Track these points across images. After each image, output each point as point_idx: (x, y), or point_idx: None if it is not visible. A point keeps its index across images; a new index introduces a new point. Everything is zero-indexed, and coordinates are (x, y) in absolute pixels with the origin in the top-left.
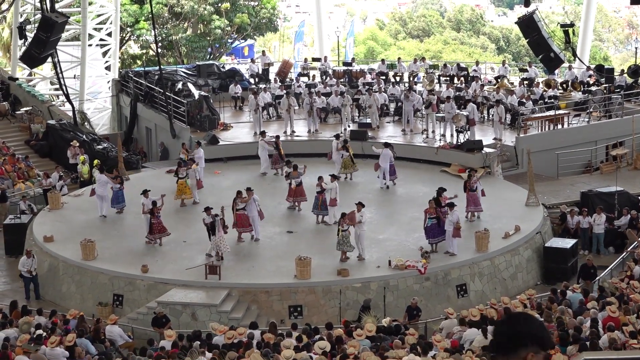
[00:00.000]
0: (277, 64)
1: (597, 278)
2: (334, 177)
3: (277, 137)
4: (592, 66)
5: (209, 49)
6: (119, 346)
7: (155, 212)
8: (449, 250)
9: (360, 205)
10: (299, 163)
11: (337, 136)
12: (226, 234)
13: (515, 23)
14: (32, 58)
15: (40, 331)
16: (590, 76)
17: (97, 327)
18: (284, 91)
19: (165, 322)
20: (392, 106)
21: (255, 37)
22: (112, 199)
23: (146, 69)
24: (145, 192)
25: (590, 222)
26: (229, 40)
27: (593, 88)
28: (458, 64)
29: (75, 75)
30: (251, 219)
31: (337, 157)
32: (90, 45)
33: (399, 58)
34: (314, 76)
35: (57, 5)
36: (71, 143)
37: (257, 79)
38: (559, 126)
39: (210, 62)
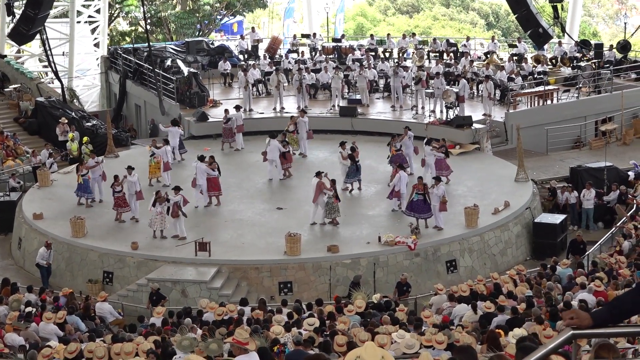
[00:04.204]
0: (266, 40)
1: (587, 253)
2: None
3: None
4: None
5: (198, 26)
6: (109, 323)
7: (114, 187)
8: (436, 225)
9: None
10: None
11: (304, 111)
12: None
13: None
14: (21, 35)
15: (30, 308)
16: (579, 51)
17: (87, 304)
18: (273, 68)
19: (157, 300)
20: (382, 82)
21: (244, 13)
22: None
23: (135, 45)
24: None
25: (579, 197)
26: (218, 17)
27: (582, 64)
28: (447, 40)
29: (63, 53)
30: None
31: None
32: (78, 22)
33: (388, 34)
34: (303, 52)
35: None
36: (60, 120)
37: (246, 56)
38: (548, 102)
39: (199, 38)
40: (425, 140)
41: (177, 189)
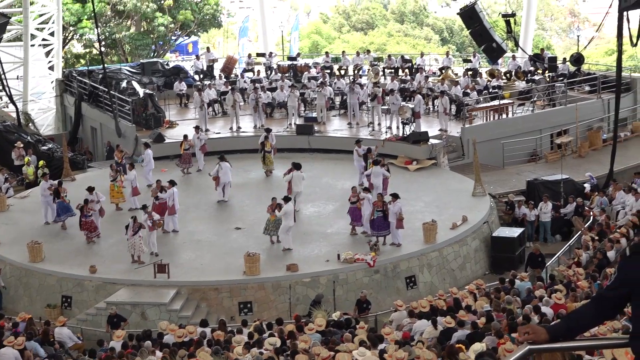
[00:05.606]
0: (221, 60)
1: (546, 265)
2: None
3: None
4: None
5: (153, 47)
6: (69, 348)
7: (85, 211)
8: (394, 242)
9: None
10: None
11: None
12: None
13: (457, 14)
14: None
15: None
16: (533, 65)
17: (46, 330)
18: (229, 87)
19: (117, 322)
20: (338, 100)
21: (199, 33)
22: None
23: (90, 68)
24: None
25: (537, 213)
26: (173, 38)
27: (536, 77)
28: (402, 56)
29: (18, 76)
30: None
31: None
32: (32, 45)
33: (344, 51)
34: (258, 71)
35: None
36: (15, 144)
37: (201, 76)
38: (504, 116)
39: (154, 59)
40: (373, 161)
41: (144, 207)
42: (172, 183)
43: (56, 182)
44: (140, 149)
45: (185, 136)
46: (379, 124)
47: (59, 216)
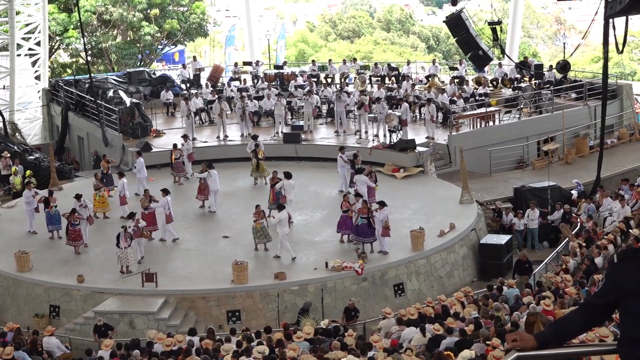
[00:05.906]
0: (208, 69)
1: (534, 272)
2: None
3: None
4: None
5: (139, 56)
6: (57, 357)
7: (72, 220)
8: (381, 250)
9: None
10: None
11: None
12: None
13: (444, 22)
14: None
15: None
16: (519, 72)
17: (34, 339)
18: (216, 96)
19: (104, 332)
20: (325, 108)
21: (185, 42)
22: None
23: (76, 77)
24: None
25: (525, 221)
26: (159, 47)
27: (523, 84)
28: (389, 64)
29: (4, 86)
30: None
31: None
32: (19, 55)
33: (330, 60)
34: (245, 80)
35: None
36: (2, 154)
37: (188, 85)
38: (491, 123)
39: (141, 68)
40: (356, 169)
41: (132, 215)
42: (166, 192)
43: (45, 190)
44: (127, 158)
45: (175, 145)
46: (366, 132)
47: (47, 226)
